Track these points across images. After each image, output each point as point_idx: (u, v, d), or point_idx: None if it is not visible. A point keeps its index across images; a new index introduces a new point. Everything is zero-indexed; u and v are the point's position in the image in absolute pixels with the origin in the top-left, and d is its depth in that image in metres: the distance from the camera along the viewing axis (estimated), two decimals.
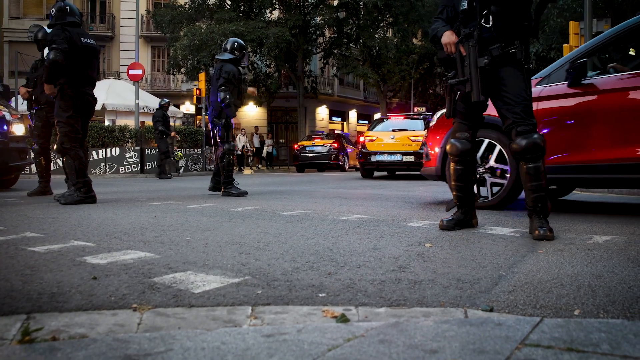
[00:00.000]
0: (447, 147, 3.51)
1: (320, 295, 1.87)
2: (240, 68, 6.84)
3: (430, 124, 5.85)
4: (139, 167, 17.02)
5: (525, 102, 3.20)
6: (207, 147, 18.63)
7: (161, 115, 14.53)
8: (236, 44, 6.94)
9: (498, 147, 4.78)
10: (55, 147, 5.52)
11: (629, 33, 4.55)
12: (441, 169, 5.23)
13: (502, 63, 3.23)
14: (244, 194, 6.87)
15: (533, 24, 3.29)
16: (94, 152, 16.60)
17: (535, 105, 4.31)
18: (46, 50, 5.42)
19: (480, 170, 4.87)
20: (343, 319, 1.57)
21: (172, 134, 14.45)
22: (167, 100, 15.11)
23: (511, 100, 3.21)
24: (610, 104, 4.35)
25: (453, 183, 3.54)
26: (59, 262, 2.38)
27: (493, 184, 4.87)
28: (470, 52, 3.17)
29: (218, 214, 4.44)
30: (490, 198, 4.86)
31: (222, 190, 6.96)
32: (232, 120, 6.81)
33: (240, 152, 23.83)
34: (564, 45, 15.45)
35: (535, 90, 4.56)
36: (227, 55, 6.81)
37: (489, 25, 3.20)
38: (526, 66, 3.25)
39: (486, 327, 1.35)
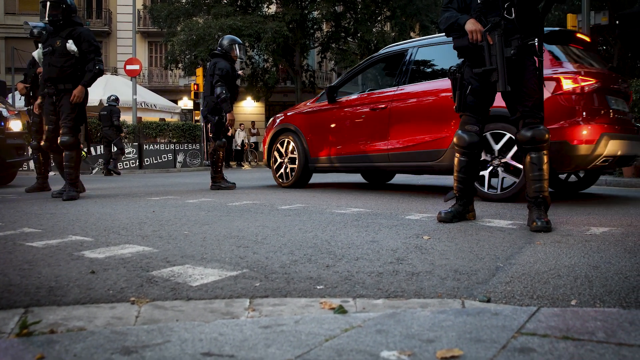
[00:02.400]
0: (455, 139, 3.51)
1: (318, 287, 1.87)
2: (232, 64, 6.89)
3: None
4: (137, 163, 17.00)
5: (536, 95, 3.24)
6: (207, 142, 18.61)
7: (119, 111, 14.09)
8: (230, 41, 7.01)
9: (292, 144, 6.88)
10: (61, 141, 5.51)
11: (372, 64, 6.53)
12: (267, 160, 7.38)
13: (521, 54, 3.24)
14: (232, 186, 7.00)
15: (539, 21, 3.33)
16: (92, 148, 16.57)
17: (313, 116, 6.75)
18: (71, 45, 5.38)
19: (286, 160, 6.97)
20: (341, 310, 1.58)
21: (124, 133, 14.52)
22: (117, 96, 14.74)
23: (524, 93, 3.24)
24: (357, 114, 6.19)
25: (456, 174, 3.55)
26: (57, 257, 2.39)
27: (291, 170, 6.92)
28: (496, 42, 3.17)
29: (216, 209, 4.45)
30: (286, 180, 6.98)
31: (210, 184, 7.09)
32: (227, 116, 6.86)
33: (239, 148, 23.81)
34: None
35: (314, 105, 6.81)
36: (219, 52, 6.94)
37: (511, 17, 3.20)
38: (540, 58, 3.28)
39: (483, 317, 1.35)
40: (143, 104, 19.86)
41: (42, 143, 5.87)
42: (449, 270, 2.12)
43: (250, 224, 3.49)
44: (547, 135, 3.21)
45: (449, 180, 8.47)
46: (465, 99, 3.40)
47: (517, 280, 1.96)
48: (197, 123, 20.05)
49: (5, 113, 7.86)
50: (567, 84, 4.63)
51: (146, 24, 29.09)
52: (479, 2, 3.28)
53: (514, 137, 4.51)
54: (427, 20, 24.52)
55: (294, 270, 2.11)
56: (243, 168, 20.25)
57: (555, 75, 4.66)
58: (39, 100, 5.53)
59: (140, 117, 18.93)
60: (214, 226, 3.38)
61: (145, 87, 25.00)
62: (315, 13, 24.60)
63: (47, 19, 5.46)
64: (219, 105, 6.76)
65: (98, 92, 19.41)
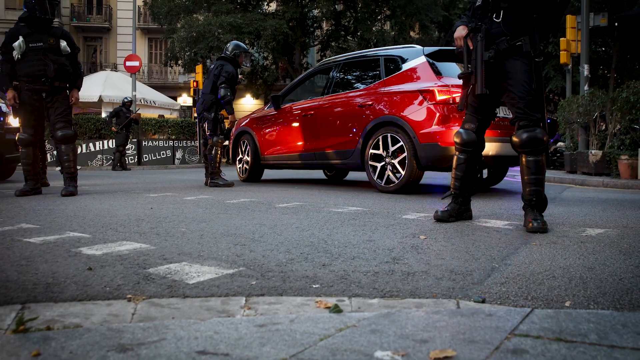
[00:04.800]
0: (454, 137, 3.56)
1: (314, 286, 1.88)
2: (237, 70, 7.14)
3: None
4: (136, 159, 17.00)
5: (529, 97, 3.19)
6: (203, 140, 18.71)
7: (118, 115, 14.97)
8: (237, 47, 7.23)
9: (247, 143, 7.98)
10: (63, 134, 5.51)
11: (310, 75, 7.71)
12: (232, 157, 8.54)
13: (509, 56, 3.24)
14: (230, 184, 7.06)
15: (554, 22, 3.32)
16: (90, 144, 16.58)
17: (263, 120, 7.86)
18: (66, 45, 5.51)
19: (245, 157, 8.07)
20: (336, 309, 1.59)
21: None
22: (122, 101, 15.50)
23: (515, 95, 3.22)
24: (293, 120, 7.22)
25: (453, 172, 3.57)
26: (55, 253, 2.39)
27: (245, 164, 8.10)
28: (477, 46, 3.20)
29: (214, 206, 4.45)
30: (243, 175, 8.13)
31: (209, 181, 7.17)
32: (230, 117, 7.12)
33: None
34: (561, 39, 15.45)
35: (266, 111, 7.92)
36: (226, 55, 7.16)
37: (498, 20, 3.22)
38: (536, 59, 3.26)
39: (477, 318, 1.36)
40: (142, 101, 19.87)
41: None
42: (444, 270, 2.13)
43: (248, 221, 3.50)
44: (543, 138, 3.19)
45: (445, 180, 8.48)
46: (466, 98, 3.43)
47: (512, 281, 1.97)
48: (196, 120, 20.05)
49: (4, 108, 7.85)
50: (440, 95, 5.47)
51: (146, 21, 29.05)
52: (475, 8, 3.37)
53: (397, 137, 5.67)
54: (427, 20, 24.51)
55: (290, 269, 2.12)
56: None
57: (431, 88, 5.54)
58: (12, 94, 5.41)
59: (140, 114, 18.93)
60: (211, 224, 3.39)
61: (144, 83, 24.99)
62: (316, 11, 24.57)
63: (46, 16, 5.37)
64: (217, 104, 6.97)
65: (97, 89, 19.44)
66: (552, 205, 4.69)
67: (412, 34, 27.04)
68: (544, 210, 3.26)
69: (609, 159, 9.58)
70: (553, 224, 3.45)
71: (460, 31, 3.32)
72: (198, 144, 18.11)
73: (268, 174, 10.71)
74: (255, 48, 23.46)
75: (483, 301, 1.73)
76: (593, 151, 10.04)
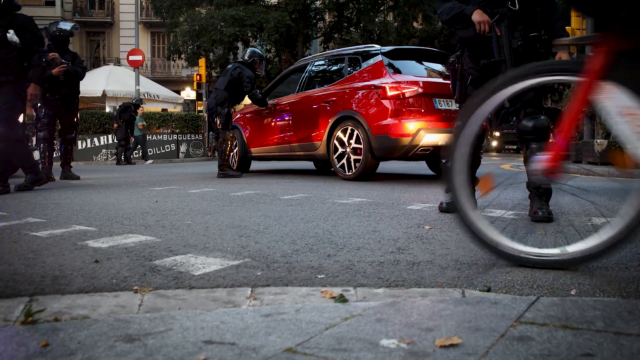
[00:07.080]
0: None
1: (319, 276, 1.88)
2: (256, 72, 7.79)
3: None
4: (141, 153, 17.03)
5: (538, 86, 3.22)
6: (211, 133, 18.76)
7: (125, 113, 15.18)
8: (254, 54, 7.82)
9: (237, 140, 8.45)
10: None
11: (290, 73, 8.20)
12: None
13: (525, 46, 3.22)
14: (238, 175, 7.58)
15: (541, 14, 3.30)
16: (95, 139, 16.62)
17: (248, 116, 8.44)
18: (13, 35, 5.02)
19: (234, 150, 8.46)
20: (341, 299, 1.59)
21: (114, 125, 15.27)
22: (132, 102, 15.77)
23: None
24: (273, 115, 7.86)
25: None
26: (61, 246, 2.41)
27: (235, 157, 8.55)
28: (504, 33, 3.15)
29: (219, 198, 4.46)
30: (233, 166, 8.37)
31: (218, 172, 7.61)
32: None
33: None
34: (566, 27, 15.34)
35: (251, 108, 8.43)
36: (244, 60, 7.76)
37: (516, 9, 3.18)
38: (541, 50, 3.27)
39: (482, 306, 1.36)
40: (146, 95, 19.88)
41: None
42: (449, 259, 2.13)
43: (253, 213, 3.51)
44: (548, 125, 3.20)
45: None
46: (465, 89, 3.40)
47: (517, 269, 1.97)
48: (200, 113, 20.05)
49: None
50: (391, 91, 5.99)
51: (149, 15, 29.01)
52: None
53: (355, 130, 6.26)
54: (430, 10, 24.35)
55: (295, 260, 2.13)
56: None
57: (383, 84, 6.08)
58: None
59: (143, 108, 18.95)
60: (216, 216, 3.40)
61: (148, 77, 24.99)
62: (318, 3, 24.47)
63: None
64: (230, 100, 7.50)
65: (101, 83, 19.48)
66: (557, 195, 4.67)
67: (415, 24, 26.87)
68: (549, 199, 3.26)
69: (615, 149, 9.54)
70: (558, 213, 3.45)
71: (483, 15, 3.17)
72: (206, 136, 18.19)
73: (266, 165, 10.86)
74: (258, 41, 23.40)
75: (488, 290, 1.73)
76: (598, 140, 10.00)
